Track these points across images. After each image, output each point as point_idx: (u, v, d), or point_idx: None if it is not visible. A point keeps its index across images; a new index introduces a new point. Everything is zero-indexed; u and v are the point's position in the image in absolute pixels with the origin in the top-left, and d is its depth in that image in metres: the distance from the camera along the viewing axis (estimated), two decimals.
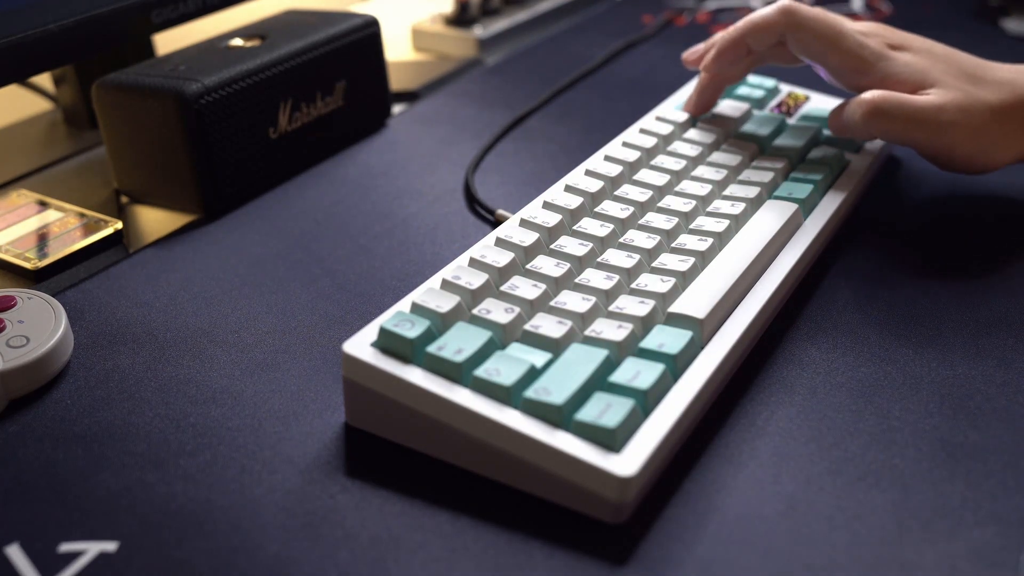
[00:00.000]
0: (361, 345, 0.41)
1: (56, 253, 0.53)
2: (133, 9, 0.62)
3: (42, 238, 0.55)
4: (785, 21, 0.54)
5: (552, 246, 0.47)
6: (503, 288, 0.44)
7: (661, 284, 0.44)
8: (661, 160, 0.55)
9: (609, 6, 0.95)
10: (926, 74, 0.53)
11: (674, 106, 0.62)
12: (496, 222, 0.57)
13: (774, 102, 0.64)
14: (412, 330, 0.40)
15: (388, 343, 0.40)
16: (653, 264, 0.46)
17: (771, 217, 0.50)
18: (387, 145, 0.67)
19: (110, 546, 0.36)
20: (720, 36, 0.58)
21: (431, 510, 0.38)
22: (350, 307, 0.50)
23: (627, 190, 0.52)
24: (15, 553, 0.36)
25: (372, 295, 0.51)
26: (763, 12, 0.55)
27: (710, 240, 0.48)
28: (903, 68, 0.53)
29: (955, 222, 0.56)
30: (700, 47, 0.61)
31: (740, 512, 0.37)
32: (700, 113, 0.60)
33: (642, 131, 0.58)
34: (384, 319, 0.41)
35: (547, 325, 0.41)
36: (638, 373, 0.39)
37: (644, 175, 0.53)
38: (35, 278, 0.52)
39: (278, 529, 0.37)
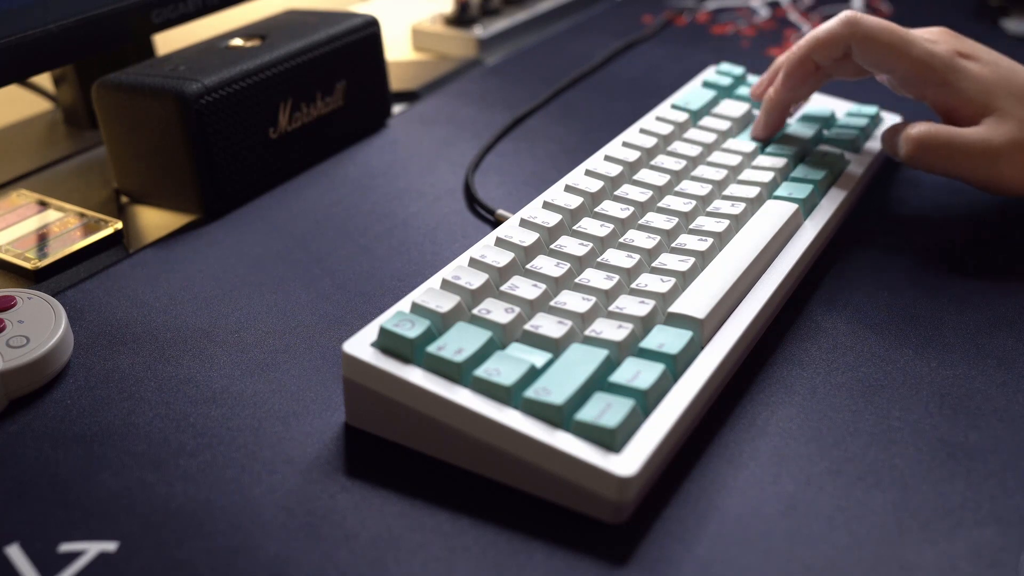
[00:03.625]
0: (361, 345, 0.41)
1: (56, 253, 0.53)
2: (133, 9, 0.62)
3: (42, 238, 0.55)
4: (850, 32, 0.53)
5: (552, 246, 0.47)
6: (503, 288, 0.44)
7: (661, 284, 0.44)
8: (661, 160, 0.55)
9: (609, 6, 0.95)
10: (990, 95, 0.52)
11: (673, 105, 0.62)
12: (496, 222, 0.57)
13: None
14: (412, 330, 0.40)
15: (388, 343, 0.40)
16: (653, 264, 0.46)
17: (771, 217, 0.50)
18: (387, 145, 0.67)
19: (110, 546, 0.36)
20: (785, 58, 0.57)
21: (431, 510, 0.38)
22: (350, 307, 0.50)
23: (627, 190, 0.52)
24: (15, 553, 0.36)
25: (372, 295, 0.51)
26: (827, 26, 0.54)
27: (710, 240, 0.48)
28: (970, 85, 0.52)
29: (955, 222, 0.56)
30: (764, 77, 0.60)
31: (740, 512, 0.37)
32: (770, 136, 0.58)
33: (642, 131, 0.58)
34: (384, 319, 0.41)
35: (547, 325, 0.41)
36: (638, 373, 0.39)
37: (644, 175, 0.53)
38: (35, 278, 0.52)
39: (278, 529, 0.37)
